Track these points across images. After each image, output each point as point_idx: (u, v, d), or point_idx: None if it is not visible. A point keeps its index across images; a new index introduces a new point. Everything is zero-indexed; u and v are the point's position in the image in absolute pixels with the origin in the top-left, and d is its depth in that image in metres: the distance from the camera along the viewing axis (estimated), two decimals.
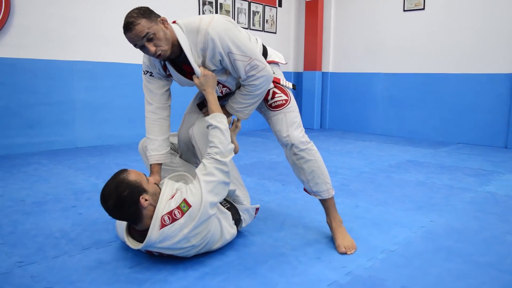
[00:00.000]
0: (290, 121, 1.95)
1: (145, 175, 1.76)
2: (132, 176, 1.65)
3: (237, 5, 6.19)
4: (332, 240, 2.03)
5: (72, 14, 4.47)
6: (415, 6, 5.85)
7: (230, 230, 1.88)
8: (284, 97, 1.98)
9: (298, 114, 2.01)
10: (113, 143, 4.94)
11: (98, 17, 4.69)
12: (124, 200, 1.60)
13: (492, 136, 5.35)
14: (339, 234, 1.97)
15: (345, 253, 1.88)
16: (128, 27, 1.66)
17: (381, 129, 6.39)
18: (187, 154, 2.18)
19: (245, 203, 2.04)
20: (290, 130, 1.93)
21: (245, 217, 2.03)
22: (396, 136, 6.17)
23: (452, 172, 3.70)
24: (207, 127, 1.79)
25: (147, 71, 1.95)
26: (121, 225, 1.83)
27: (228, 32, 1.75)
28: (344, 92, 6.80)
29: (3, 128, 4.11)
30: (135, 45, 1.73)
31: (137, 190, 1.63)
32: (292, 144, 1.92)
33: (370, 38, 6.39)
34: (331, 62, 6.92)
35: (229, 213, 1.90)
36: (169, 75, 1.94)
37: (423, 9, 5.79)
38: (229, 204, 1.97)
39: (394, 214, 2.48)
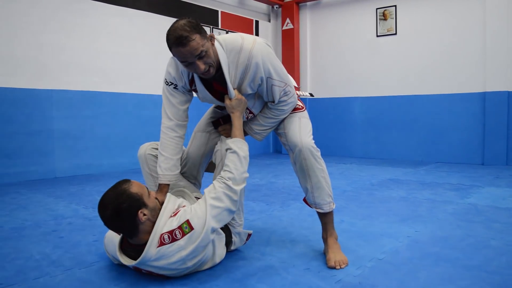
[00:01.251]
0: (304, 125, 1.95)
1: (147, 188, 1.72)
2: (134, 188, 1.61)
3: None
4: (321, 253, 2.01)
5: (50, 43, 4.47)
6: (388, 31, 6.06)
7: (220, 253, 1.84)
8: (301, 104, 2.03)
9: (311, 125, 2.01)
10: (93, 172, 4.85)
11: (76, 46, 4.69)
12: (122, 212, 1.55)
13: (469, 154, 5.48)
14: (332, 249, 1.92)
15: (334, 268, 1.81)
16: (182, 41, 1.56)
17: (361, 152, 6.47)
18: (192, 169, 2.15)
19: (239, 229, 2.00)
20: (303, 134, 1.90)
21: (236, 241, 1.99)
22: (376, 158, 6.25)
23: (433, 187, 3.75)
24: (226, 150, 1.77)
25: (171, 83, 1.84)
26: (112, 241, 1.78)
27: (270, 56, 1.76)
28: (323, 117, 6.87)
29: None
30: (182, 61, 1.64)
31: (137, 203, 1.58)
32: (301, 148, 1.86)
33: (346, 63, 6.55)
34: (309, 88, 7.04)
35: (224, 234, 1.87)
36: (194, 90, 1.88)
37: (395, 34, 6.01)
38: (224, 225, 1.93)
39: (379, 227, 2.48)
